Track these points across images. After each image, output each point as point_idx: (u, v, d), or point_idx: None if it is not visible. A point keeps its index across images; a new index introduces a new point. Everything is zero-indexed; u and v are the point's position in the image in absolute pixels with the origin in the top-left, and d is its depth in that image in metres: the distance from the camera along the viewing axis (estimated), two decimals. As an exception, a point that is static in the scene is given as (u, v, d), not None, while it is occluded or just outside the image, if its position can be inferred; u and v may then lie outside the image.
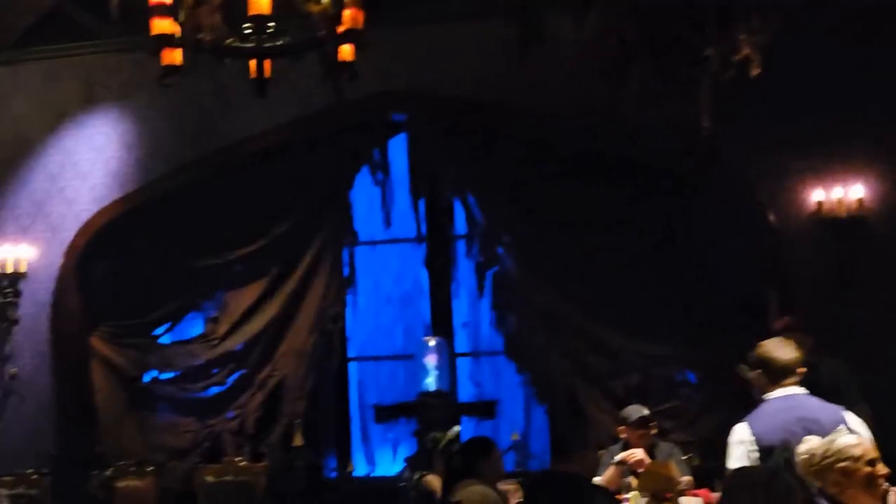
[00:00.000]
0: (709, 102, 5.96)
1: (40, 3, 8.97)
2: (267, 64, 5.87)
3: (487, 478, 5.93)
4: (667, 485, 5.93)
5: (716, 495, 6.21)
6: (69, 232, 8.97)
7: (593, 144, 8.08)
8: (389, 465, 8.80)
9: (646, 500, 5.94)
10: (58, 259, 8.96)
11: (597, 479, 6.37)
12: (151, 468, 8.46)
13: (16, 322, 8.91)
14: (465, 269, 8.77)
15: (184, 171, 8.89)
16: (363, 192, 8.91)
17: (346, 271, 8.90)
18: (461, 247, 8.75)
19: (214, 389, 8.89)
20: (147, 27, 5.63)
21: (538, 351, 8.27)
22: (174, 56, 5.78)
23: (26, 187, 9.07)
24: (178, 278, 8.91)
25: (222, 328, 8.84)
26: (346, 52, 5.81)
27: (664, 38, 6.01)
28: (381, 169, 8.72)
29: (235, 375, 8.84)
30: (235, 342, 8.81)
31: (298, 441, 8.44)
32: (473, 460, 5.97)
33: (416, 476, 6.83)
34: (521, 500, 6.10)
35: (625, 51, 6.01)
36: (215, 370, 8.88)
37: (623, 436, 6.68)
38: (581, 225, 8.11)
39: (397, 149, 8.83)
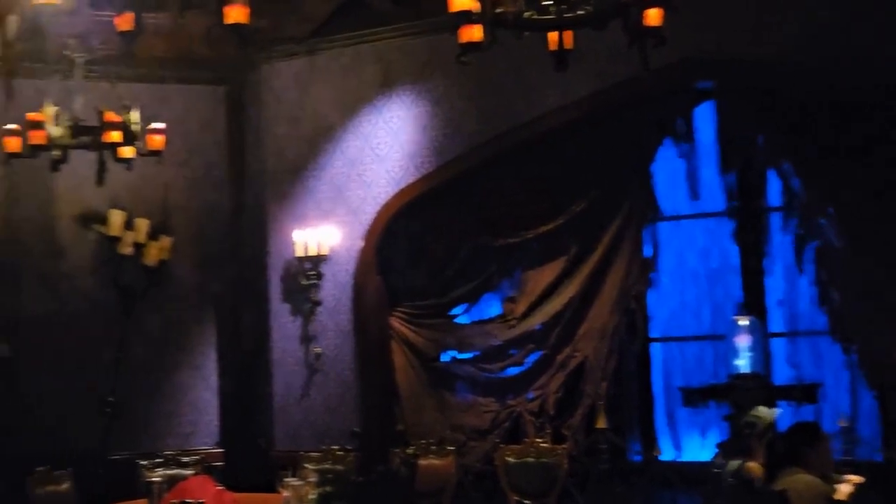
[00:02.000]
0: None
1: (338, -7, 9.19)
2: (568, 35, 5.69)
3: (813, 466, 5.53)
4: None
5: None
6: (368, 214, 9.13)
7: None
8: (697, 450, 8.43)
9: None
10: (357, 241, 9.15)
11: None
12: (452, 447, 8.45)
13: (319, 303, 9.20)
14: (779, 244, 8.23)
15: (479, 150, 8.85)
16: (664, 166, 8.55)
17: (648, 248, 8.59)
18: (775, 220, 8.22)
19: (514, 370, 8.80)
20: (440, 8, 5.58)
21: (868, 330, 7.63)
22: (473, 33, 5.71)
23: (327, 172, 9.30)
24: (475, 258, 8.87)
25: (520, 308, 8.75)
26: (654, 16, 5.52)
27: None
28: (686, 140, 8.34)
29: (535, 356, 8.71)
30: (534, 322, 8.70)
31: (602, 423, 8.23)
32: (798, 447, 5.58)
33: (736, 463, 6.47)
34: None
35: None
36: (514, 350, 8.80)
37: None
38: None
39: (702, 118, 8.40)
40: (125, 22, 6.44)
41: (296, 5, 9.17)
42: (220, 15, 5.92)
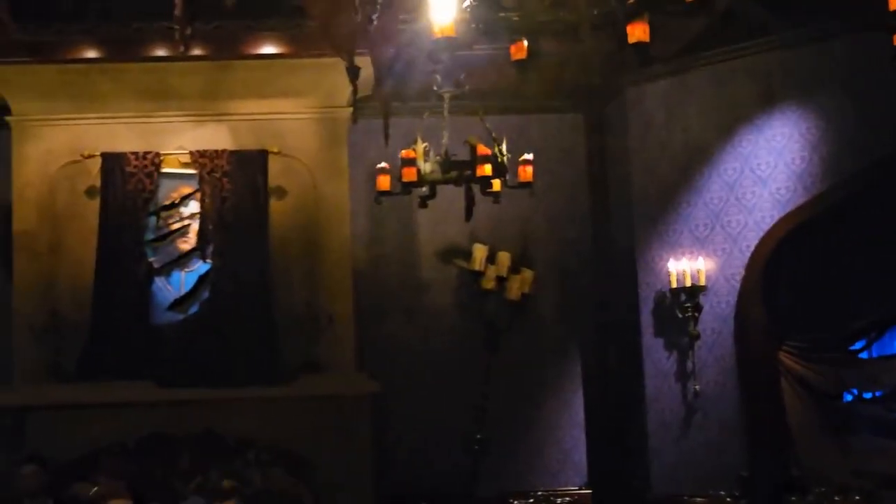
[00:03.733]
0: None
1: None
2: None
3: None
4: None
5: None
6: (749, 241, 8.60)
7: None
8: None
9: None
10: (738, 270, 8.63)
11: None
12: (858, 496, 7.68)
13: (697, 337, 8.74)
14: None
15: (880, 165, 8.05)
16: None
17: None
18: None
19: (932, 412, 7.90)
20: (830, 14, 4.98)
21: None
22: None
23: (702, 197, 8.84)
24: (877, 285, 8.09)
25: (939, 340, 7.86)
26: None
27: None
28: None
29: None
30: (958, 357, 7.76)
31: None
32: None
33: None
34: None
35: None
36: (931, 389, 7.89)
37: None
38: None
39: None
40: (519, 50, 6.22)
41: (661, 24, 8.74)
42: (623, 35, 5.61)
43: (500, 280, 9.39)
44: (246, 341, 8.39)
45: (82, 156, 8.65)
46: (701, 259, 8.71)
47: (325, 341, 8.57)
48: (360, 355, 8.73)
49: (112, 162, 8.60)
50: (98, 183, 8.61)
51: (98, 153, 8.61)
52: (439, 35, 5.98)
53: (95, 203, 8.59)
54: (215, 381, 8.22)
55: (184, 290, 8.67)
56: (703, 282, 8.66)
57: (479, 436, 9.23)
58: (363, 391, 8.41)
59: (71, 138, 8.65)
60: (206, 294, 8.61)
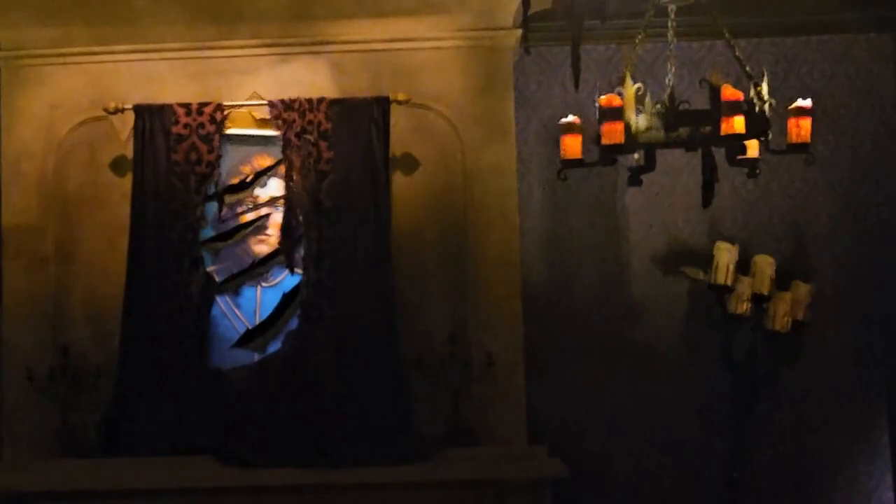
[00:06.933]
0: None
1: None
2: None
3: None
4: None
5: None
6: None
7: None
8: None
9: None
10: None
11: None
12: None
13: None
14: None
15: None
16: None
17: None
18: None
19: None
20: None
21: None
22: None
23: None
24: None
25: None
26: None
27: None
28: None
29: None
30: None
31: None
32: None
33: None
34: None
35: None
36: None
37: None
38: None
39: None
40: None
41: None
42: None
43: (759, 300, 8.72)
44: (357, 395, 7.95)
45: (106, 110, 8.15)
46: None
47: (480, 396, 8.08)
48: (534, 418, 8.22)
49: (150, 119, 8.14)
50: (129, 152, 8.16)
51: (129, 105, 8.18)
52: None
53: (126, 182, 8.14)
54: (310, 457, 7.74)
55: (260, 315, 8.21)
56: None
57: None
58: (540, 474, 7.88)
59: (89, 84, 8.25)
60: (294, 322, 8.16)
